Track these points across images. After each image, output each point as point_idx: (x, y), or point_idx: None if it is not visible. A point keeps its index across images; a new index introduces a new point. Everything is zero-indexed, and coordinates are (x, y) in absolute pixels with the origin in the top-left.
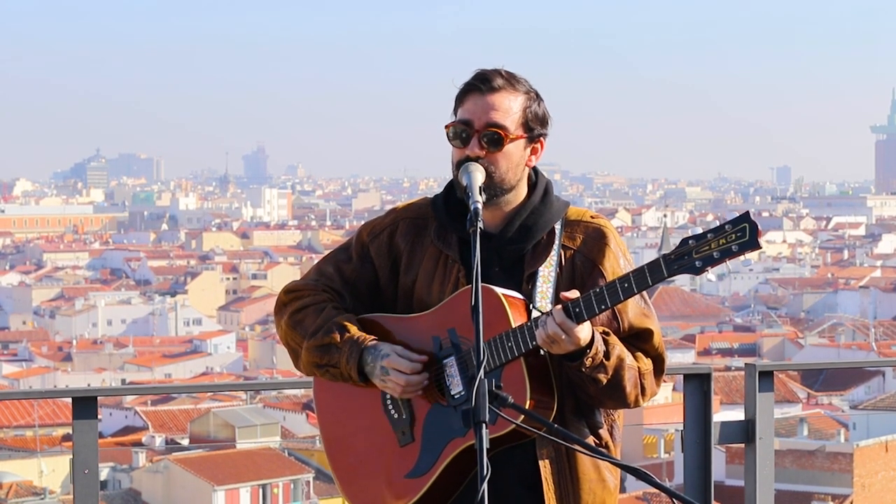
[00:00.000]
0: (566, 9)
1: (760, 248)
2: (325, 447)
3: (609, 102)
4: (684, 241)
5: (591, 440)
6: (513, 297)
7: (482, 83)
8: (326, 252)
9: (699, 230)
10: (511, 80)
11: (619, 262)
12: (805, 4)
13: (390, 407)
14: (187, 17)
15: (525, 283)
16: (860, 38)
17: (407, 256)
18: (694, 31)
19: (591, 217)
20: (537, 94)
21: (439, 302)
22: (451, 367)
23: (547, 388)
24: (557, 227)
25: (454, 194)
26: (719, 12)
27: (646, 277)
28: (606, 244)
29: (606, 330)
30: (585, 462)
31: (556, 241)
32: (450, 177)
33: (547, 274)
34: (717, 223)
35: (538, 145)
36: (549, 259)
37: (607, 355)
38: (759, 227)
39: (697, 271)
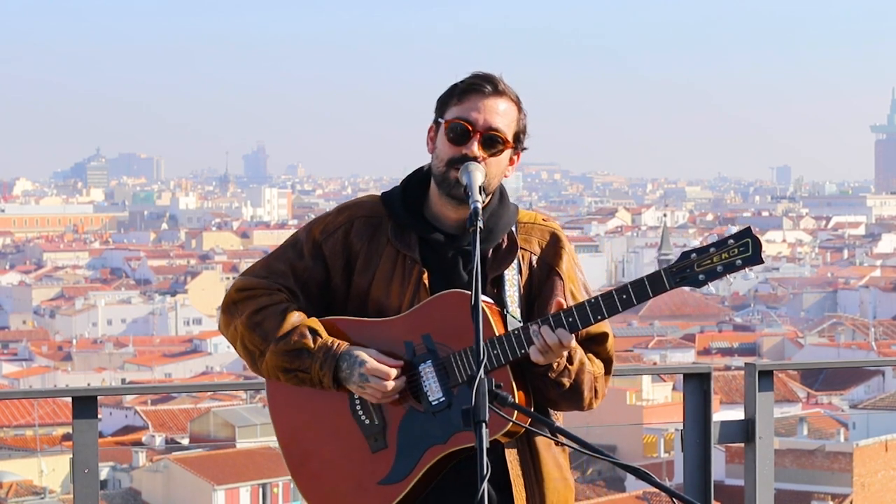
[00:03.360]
0: (566, 9)
1: (763, 262)
2: (284, 452)
3: (609, 102)
4: (685, 255)
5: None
6: (490, 304)
7: (487, 84)
8: None
9: (698, 231)
10: (508, 88)
11: (571, 264)
12: (805, 4)
13: (360, 412)
14: (187, 17)
15: (491, 287)
16: (860, 38)
17: (364, 256)
18: (694, 30)
19: (543, 220)
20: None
21: (399, 303)
22: (428, 373)
23: (526, 394)
24: (513, 229)
25: (410, 192)
26: (719, 12)
27: (646, 289)
28: (562, 247)
29: None
30: (548, 462)
31: (517, 245)
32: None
33: (511, 277)
34: (717, 223)
35: (516, 157)
36: (511, 263)
37: (570, 360)
38: (761, 241)
39: (700, 284)
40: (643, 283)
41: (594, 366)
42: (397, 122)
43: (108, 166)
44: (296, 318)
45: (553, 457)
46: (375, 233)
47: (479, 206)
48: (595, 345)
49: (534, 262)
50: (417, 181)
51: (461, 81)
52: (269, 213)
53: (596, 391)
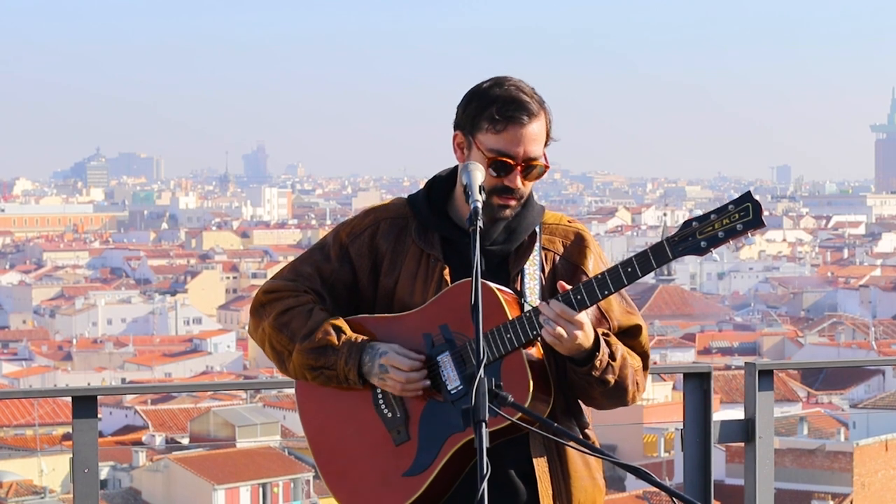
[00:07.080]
0: (566, 8)
1: (764, 225)
2: (314, 451)
3: (609, 102)
4: (687, 224)
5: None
6: (506, 292)
7: (524, 114)
8: None
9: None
10: (534, 97)
11: (598, 264)
12: (805, 4)
13: (383, 406)
14: (187, 17)
15: (511, 282)
16: (860, 38)
17: (389, 257)
18: (694, 30)
19: (569, 221)
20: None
21: (422, 301)
22: (446, 362)
23: (545, 383)
24: (536, 230)
25: (434, 193)
26: (719, 11)
27: (650, 261)
28: (587, 247)
29: (605, 331)
30: (576, 460)
31: (538, 243)
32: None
33: (532, 272)
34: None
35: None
36: (531, 258)
37: (612, 356)
38: (762, 205)
39: (702, 252)
40: (647, 255)
41: (633, 359)
42: (397, 122)
43: (108, 166)
44: (321, 317)
45: (581, 454)
46: (401, 234)
47: (479, 205)
48: (629, 338)
49: (557, 262)
50: (442, 182)
51: (492, 101)
52: (269, 212)
53: (638, 384)
